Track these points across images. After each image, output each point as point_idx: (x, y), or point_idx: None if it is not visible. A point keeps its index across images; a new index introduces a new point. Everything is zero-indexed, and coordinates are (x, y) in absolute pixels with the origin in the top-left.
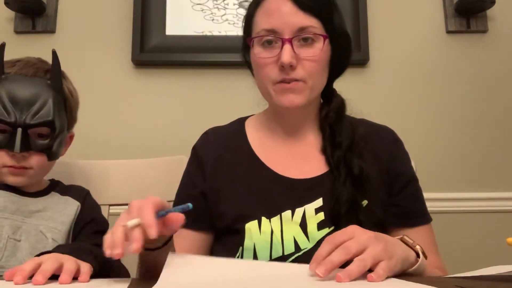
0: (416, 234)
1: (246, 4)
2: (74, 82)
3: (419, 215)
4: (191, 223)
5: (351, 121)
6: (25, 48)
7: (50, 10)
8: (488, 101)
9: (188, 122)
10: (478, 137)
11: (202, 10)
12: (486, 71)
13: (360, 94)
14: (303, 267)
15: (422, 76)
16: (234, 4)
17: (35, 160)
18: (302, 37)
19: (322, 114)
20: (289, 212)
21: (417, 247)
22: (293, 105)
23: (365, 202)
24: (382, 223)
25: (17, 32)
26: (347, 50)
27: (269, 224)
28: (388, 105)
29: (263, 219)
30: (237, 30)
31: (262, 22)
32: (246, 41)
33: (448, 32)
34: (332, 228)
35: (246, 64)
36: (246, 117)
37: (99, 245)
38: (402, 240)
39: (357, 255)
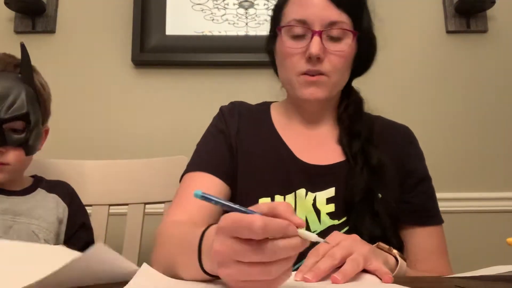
0: (425, 234)
1: (246, 4)
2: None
3: (430, 214)
4: (217, 170)
5: (369, 116)
6: None
7: (50, 10)
8: (488, 101)
9: (188, 122)
10: (478, 137)
11: (202, 10)
12: (486, 71)
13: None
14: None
15: (422, 76)
16: (234, 4)
17: (12, 155)
18: (332, 32)
19: (341, 107)
20: (303, 190)
21: (394, 251)
22: (314, 98)
23: (379, 195)
24: (396, 216)
25: (17, 32)
26: (372, 51)
27: None
28: (388, 105)
29: (277, 197)
30: (237, 30)
31: (293, 13)
32: (273, 30)
33: (448, 32)
34: (342, 219)
35: (268, 54)
36: (271, 102)
37: None
38: (378, 247)
39: (344, 260)
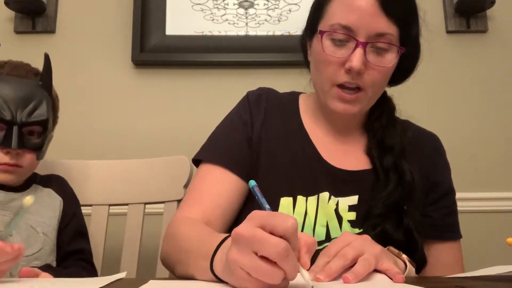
0: (442, 248)
1: (246, 4)
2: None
3: (451, 229)
4: (235, 166)
5: (401, 125)
6: (25, 48)
7: (50, 10)
8: (488, 101)
9: (188, 122)
10: (478, 137)
11: (202, 10)
12: (486, 71)
13: None
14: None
15: (422, 76)
16: (234, 4)
17: (27, 158)
18: (377, 45)
19: (373, 116)
20: (327, 194)
21: (403, 256)
22: (346, 113)
23: (404, 207)
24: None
25: (17, 32)
26: (413, 62)
27: (305, 204)
28: None
29: (299, 198)
30: (237, 30)
31: (338, 15)
32: (311, 24)
33: (448, 32)
34: (361, 230)
35: (301, 48)
36: (299, 92)
37: (80, 250)
38: (388, 250)
39: (355, 260)
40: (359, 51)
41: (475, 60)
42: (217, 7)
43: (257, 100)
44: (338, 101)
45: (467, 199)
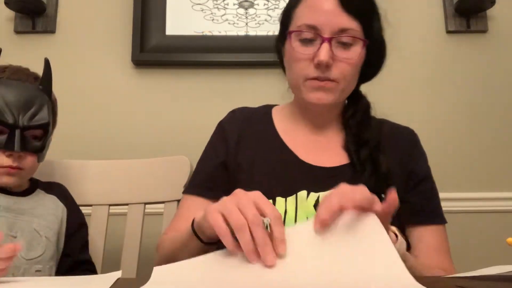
0: (426, 233)
1: (246, 4)
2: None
3: (430, 213)
4: (206, 191)
5: (376, 122)
6: (25, 48)
7: (50, 10)
8: (488, 101)
9: (188, 122)
10: (478, 137)
11: (202, 10)
12: (486, 71)
13: None
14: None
15: (422, 76)
16: (234, 4)
17: (29, 160)
18: (342, 39)
19: (348, 113)
20: (304, 192)
21: (393, 228)
22: (321, 103)
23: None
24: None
25: (17, 32)
26: (380, 56)
27: (284, 204)
28: (387, 105)
29: (278, 199)
30: (237, 30)
31: (304, 17)
32: (282, 30)
33: (448, 32)
34: None
35: (276, 53)
36: (273, 105)
37: (88, 261)
38: None
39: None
40: (325, 46)
41: (475, 60)
42: (217, 7)
43: (230, 122)
44: (313, 92)
45: (467, 199)
